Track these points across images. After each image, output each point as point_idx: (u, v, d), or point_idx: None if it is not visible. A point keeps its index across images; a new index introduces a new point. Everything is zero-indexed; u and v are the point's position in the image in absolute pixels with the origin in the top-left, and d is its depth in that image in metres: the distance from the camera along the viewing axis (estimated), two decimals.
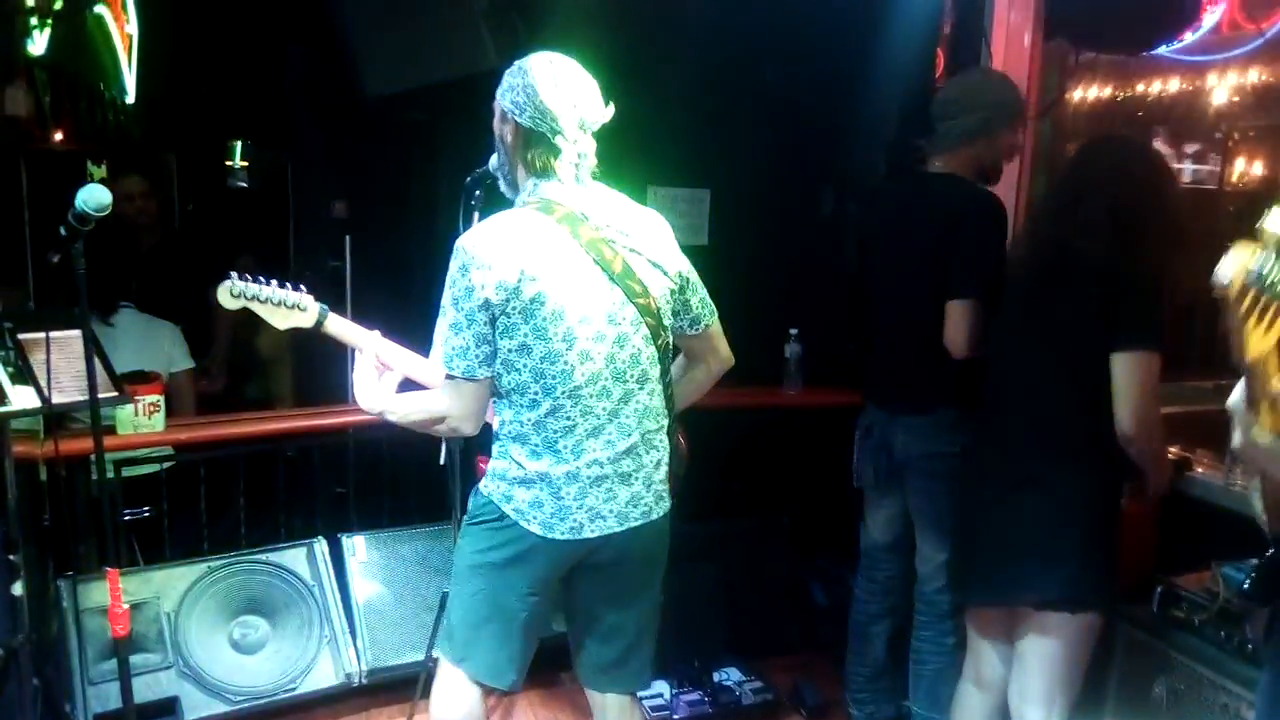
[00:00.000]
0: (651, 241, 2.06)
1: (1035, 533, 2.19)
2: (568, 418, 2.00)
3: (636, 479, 2.07)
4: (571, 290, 1.94)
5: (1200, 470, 2.54)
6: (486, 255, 1.91)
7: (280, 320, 2.25)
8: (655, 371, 2.07)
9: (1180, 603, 2.32)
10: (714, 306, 2.21)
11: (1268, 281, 1.03)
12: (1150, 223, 2.13)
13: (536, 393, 1.99)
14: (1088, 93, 5.85)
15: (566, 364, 1.96)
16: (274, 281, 2.25)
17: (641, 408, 2.05)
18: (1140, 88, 5.77)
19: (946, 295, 2.53)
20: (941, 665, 2.73)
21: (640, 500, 2.09)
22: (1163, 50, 3.90)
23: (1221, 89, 5.40)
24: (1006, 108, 2.66)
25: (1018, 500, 2.22)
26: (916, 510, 2.77)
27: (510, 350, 1.96)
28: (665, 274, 2.07)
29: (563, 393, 1.98)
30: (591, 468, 2.02)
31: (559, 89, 1.96)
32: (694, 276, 2.16)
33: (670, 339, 2.11)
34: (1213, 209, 6.00)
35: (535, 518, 2.03)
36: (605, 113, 2.02)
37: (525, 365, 1.97)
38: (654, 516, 2.12)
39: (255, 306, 2.23)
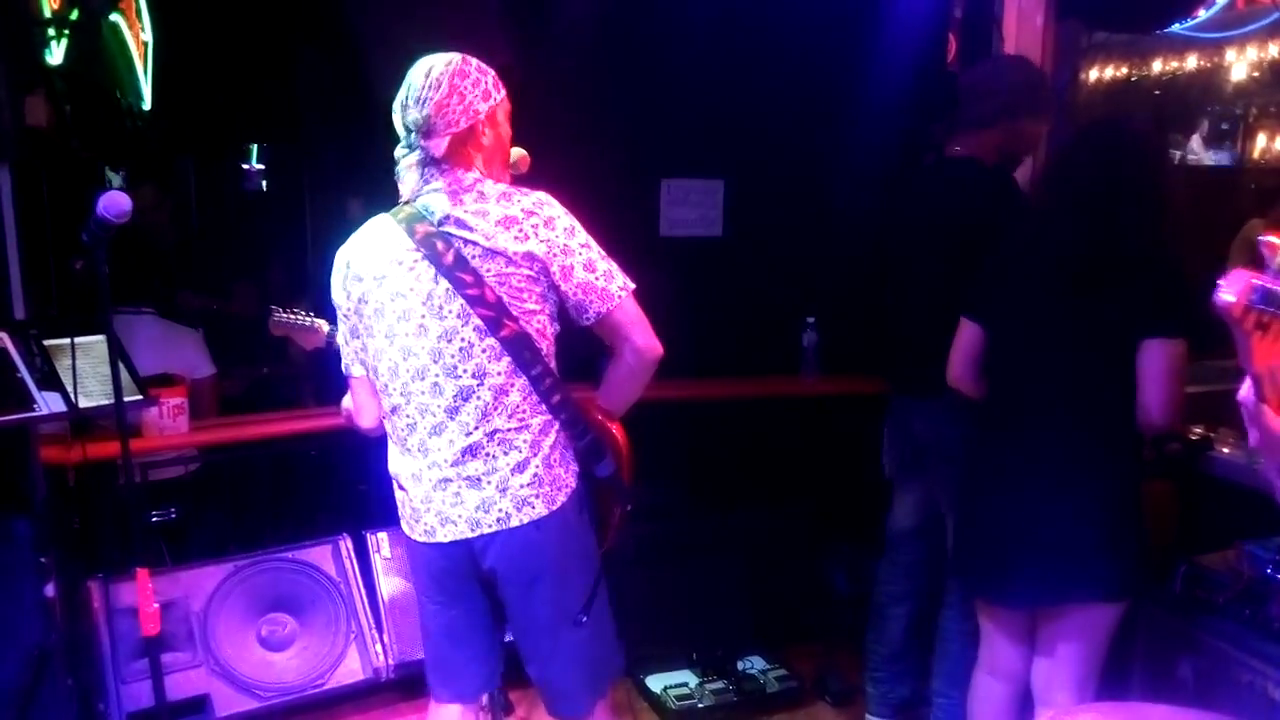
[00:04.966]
0: (496, 229, 1.88)
1: (1092, 531, 2.14)
2: (407, 415, 1.98)
3: (488, 482, 1.93)
4: (394, 287, 1.93)
5: (1224, 450, 2.52)
6: (337, 261, 2.05)
7: (307, 341, 2.51)
8: (499, 365, 1.90)
9: (1204, 582, 2.30)
10: (619, 291, 1.94)
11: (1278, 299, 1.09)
12: (1169, 207, 2.12)
13: (382, 390, 2.03)
14: (1103, 73, 5.81)
15: (392, 360, 1.97)
16: (299, 310, 2.53)
17: (483, 404, 1.91)
18: (1156, 66, 5.71)
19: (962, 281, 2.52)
20: (966, 645, 2.73)
21: (493, 505, 1.94)
22: (1177, 28, 3.87)
23: (1239, 65, 5.34)
24: (1025, 91, 2.63)
25: (1066, 505, 2.15)
26: (942, 495, 2.77)
27: (361, 349, 2.05)
28: (509, 259, 1.87)
29: (395, 389, 1.99)
30: (433, 469, 1.96)
31: (401, 94, 1.93)
32: (569, 260, 1.90)
33: (529, 328, 1.91)
34: (1233, 188, 5.93)
35: (404, 518, 2.07)
36: (416, 115, 1.90)
37: (371, 364, 2.03)
38: (513, 524, 1.94)
39: (292, 332, 2.50)
